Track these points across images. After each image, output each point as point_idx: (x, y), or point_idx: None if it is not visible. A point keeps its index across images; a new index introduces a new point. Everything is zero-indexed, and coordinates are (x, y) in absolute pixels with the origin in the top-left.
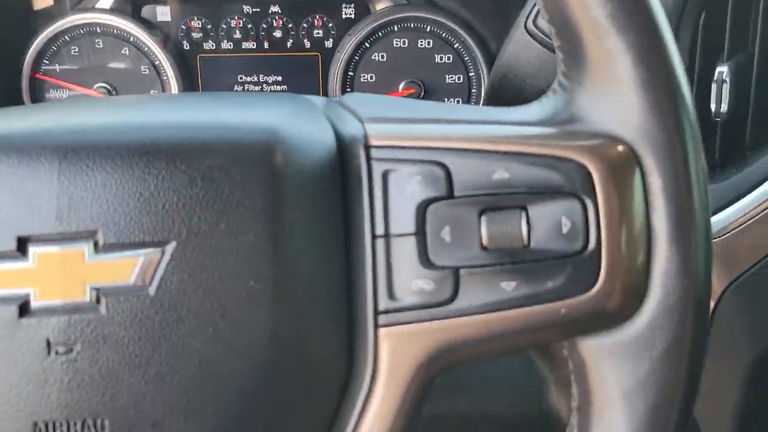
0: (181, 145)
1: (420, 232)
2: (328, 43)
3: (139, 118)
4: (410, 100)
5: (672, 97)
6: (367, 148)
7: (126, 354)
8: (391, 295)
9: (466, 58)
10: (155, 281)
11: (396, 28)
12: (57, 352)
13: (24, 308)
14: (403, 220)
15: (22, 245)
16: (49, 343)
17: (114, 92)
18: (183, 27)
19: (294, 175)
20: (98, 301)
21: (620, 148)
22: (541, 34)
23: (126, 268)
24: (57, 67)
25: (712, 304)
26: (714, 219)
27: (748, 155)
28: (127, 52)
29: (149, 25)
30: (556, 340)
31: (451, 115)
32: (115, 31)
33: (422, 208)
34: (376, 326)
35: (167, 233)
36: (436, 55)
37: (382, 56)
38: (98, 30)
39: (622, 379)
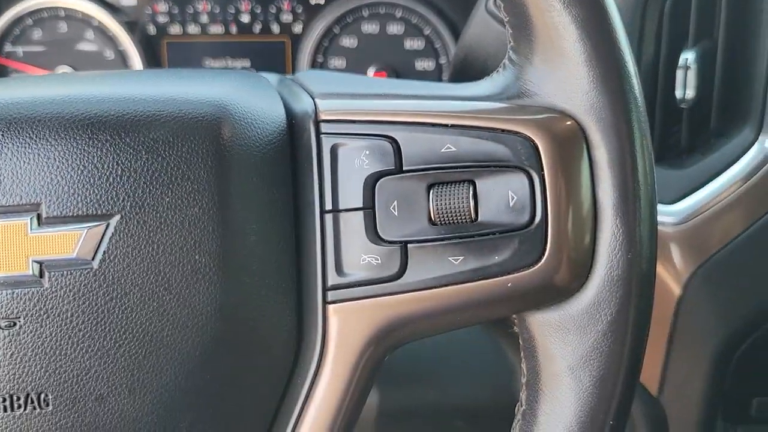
0: (126, 117)
1: (368, 207)
2: (297, 28)
3: (84, 92)
4: (364, 77)
5: (617, 71)
6: (317, 123)
7: (70, 328)
8: (339, 270)
9: (436, 45)
10: (99, 255)
11: (366, 14)
12: (1, 327)
13: None
14: (352, 194)
15: None
16: None
17: None
18: (149, 11)
19: (241, 149)
20: (41, 274)
21: (567, 122)
22: (501, 15)
23: (69, 241)
24: (20, 49)
25: (679, 290)
26: (680, 205)
27: (713, 141)
28: (92, 36)
29: (114, 9)
30: (504, 315)
31: (402, 90)
32: (80, 15)
33: (371, 183)
34: (325, 302)
35: (111, 206)
36: (406, 41)
37: (352, 42)
38: (62, 14)
39: (568, 353)
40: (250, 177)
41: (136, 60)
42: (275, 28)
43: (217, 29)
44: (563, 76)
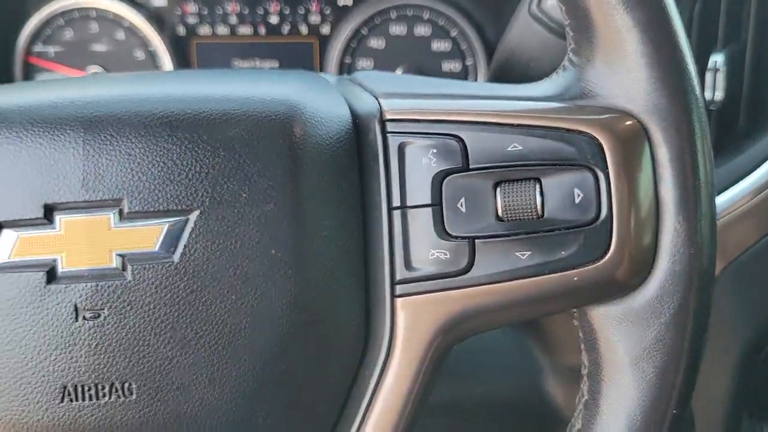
0: (203, 115)
1: (436, 204)
2: (325, 30)
3: (161, 91)
4: (421, 77)
5: (678, 72)
6: (383, 122)
7: (152, 319)
8: (408, 265)
9: (463, 47)
10: (179, 249)
11: (393, 15)
12: (85, 318)
13: (52, 274)
14: (420, 191)
15: (49, 213)
16: (76, 309)
17: None
18: (178, 12)
19: (312, 147)
20: (124, 267)
21: (629, 121)
22: (545, 18)
23: (150, 235)
24: (51, 49)
25: None
26: None
27: (741, 143)
28: (123, 37)
29: (144, 10)
30: (568, 309)
31: (464, 91)
32: (111, 16)
33: (438, 180)
34: (393, 296)
35: (191, 202)
36: (433, 43)
37: (380, 43)
38: (93, 14)
39: (630, 345)
40: (321, 174)
41: (166, 60)
42: (303, 29)
43: (245, 30)
44: (625, 77)
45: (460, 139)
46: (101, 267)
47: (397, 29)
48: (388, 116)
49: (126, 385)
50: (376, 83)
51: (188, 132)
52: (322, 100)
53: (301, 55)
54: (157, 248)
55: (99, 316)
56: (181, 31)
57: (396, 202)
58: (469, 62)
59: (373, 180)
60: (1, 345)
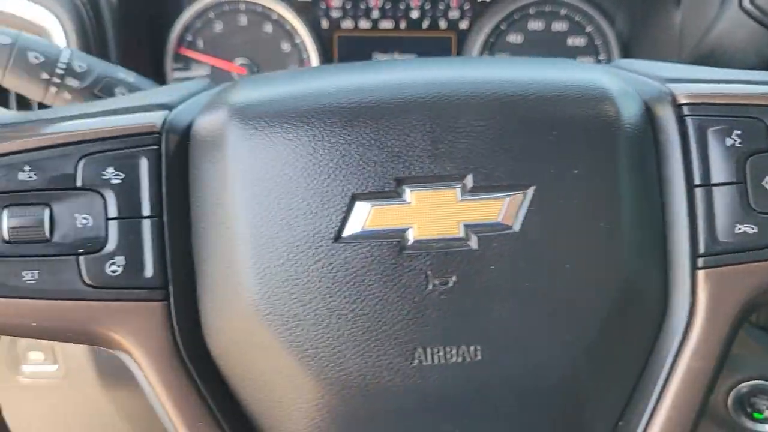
0: (533, 97)
1: (741, 182)
2: (463, 25)
3: (492, 74)
4: (688, 66)
5: None
6: (678, 106)
7: (495, 285)
8: (711, 239)
9: (597, 42)
10: (518, 220)
11: (532, 11)
12: (434, 284)
13: (404, 243)
14: (724, 170)
15: (400, 186)
16: (427, 276)
17: (256, 69)
18: (323, 5)
19: (624, 126)
20: (469, 237)
21: None
22: (757, 12)
23: (493, 208)
24: (200, 41)
25: None
26: None
27: None
28: (270, 29)
29: (292, 3)
30: None
31: (750, 77)
32: (259, 9)
33: (743, 160)
34: (695, 268)
35: (529, 177)
36: (569, 39)
37: (518, 38)
38: (242, 7)
39: None
40: (632, 152)
41: (312, 53)
42: (442, 24)
43: (387, 24)
44: None
45: (762, 121)
46: (449, 237)
47: (535, 25)
48: (683, 100)
49: (473, 347)
50: (652, 69)
51: (523, 111)
52: (618, 83)
53: (439, 49)
54: (500, 219)
55: (447, 282)
56: (325, 24)
57: (698, 180)
58: (602, 57)
59: (668, 159)
60: (357, 310)
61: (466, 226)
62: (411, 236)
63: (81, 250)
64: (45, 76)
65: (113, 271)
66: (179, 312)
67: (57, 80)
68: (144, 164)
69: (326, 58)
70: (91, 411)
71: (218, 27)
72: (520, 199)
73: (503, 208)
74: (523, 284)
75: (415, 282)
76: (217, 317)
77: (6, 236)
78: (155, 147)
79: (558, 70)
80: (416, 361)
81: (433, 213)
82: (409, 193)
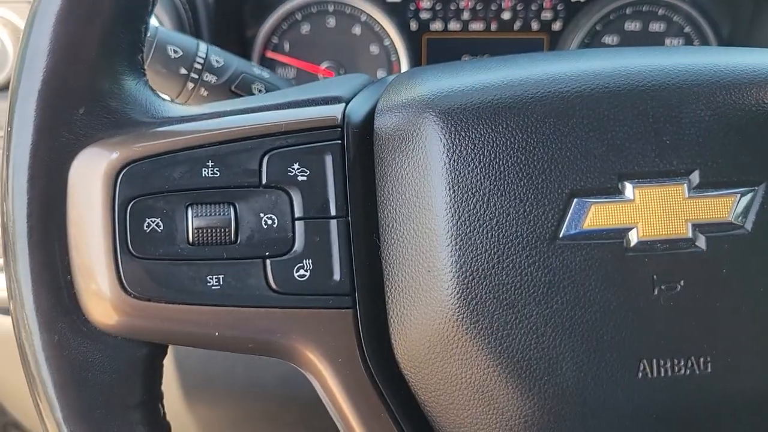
0: (760, 82)
1: None
2: (556, 26)
3: (704, 60)
4: None
5: None
6: None
7: (726, 291)
8: None
9: (695, 43)
10: (750, 219)
11: (629, 12)
12: (661, 289)
13: (627, 244)
14: None
15: (622, 181)
16: (653, 280)
17: (343, 72)
18: (413, 7)
19: None
20: (697, 238)
21: None
22: None
23: (723, 206)
24: (287, 44)
25: None
26: None
27: None
28: (359, 31)
29: (382, 4)
30: None
31: None
32: (348, 10)
33: None
34: None
35: (760, 173)
36: (666, 39)
37: (614, 39)
38: (331, 9)
39: None
40: None
41: (402, 55)
42: (534, 25)
43: (477, 26)
44: None
45: None
46: (676, 237)
47: (632, 25)
48: None
49: (702, 359)
50: None
51: (752, 99)
52: None
53: (531, 51)
54: (730, 218)
55: (675, 288)
56: (414, 26)
57: None
58: None
59: None
60: (575, 317)
61: (694, 225)
62: (634, 237)
63: (267, 253)
64: (183, 71)
65: (301, 276)
66: (366, 320)
67: (195, 75)
68: (329, 160)
69: (415, 60)
70: None
71: (305, 29)
72: (751, 196)
73: (734, 206)
74: (757, 289)
75: (639, 287)
76: (409, 326)
77: (190, 238)
78: (338, 141)
79: (762, 56)
80: (640, 374)
81: (658, 211)
82: (631, 190)
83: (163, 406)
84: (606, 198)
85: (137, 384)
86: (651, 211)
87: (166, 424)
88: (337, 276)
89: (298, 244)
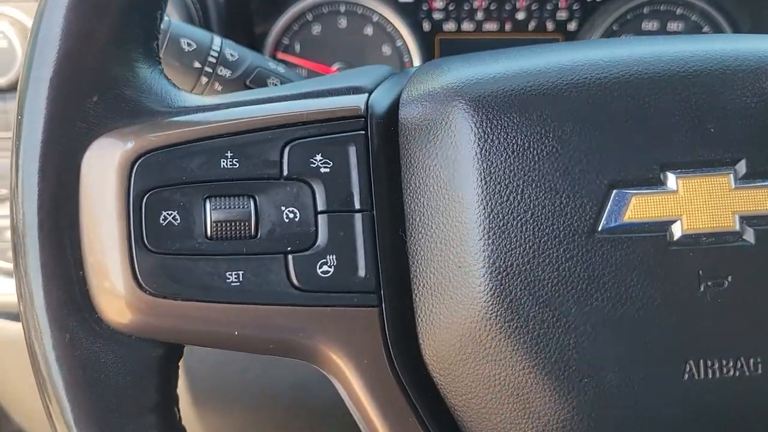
0: None
1: None
2: (572, 26)
3: (743, 47)
4: None
5: None
6: None
7: None
8: None
9: None
10: None
11: (646, 11)
12: (708, 285)
13: (671, 238)
14: None
15: (664, 171)
16: (699, 276)
17: None
18: (425, 7)
19: None
20: (744, 231)
21: None
22: None
23: None
24: (297, 45)
25: None
26: None
27: None
28: (371, 32)
29: (394, 4)
30: None
31: None
32: (360, 11)
33: None
34: None
35: None
36: None
37: None
38: (342, 9)
39: None
40: None
41: (414, 56)
42: (550, 26)
43: (491, 26)
44: None
45: None
46: (722, 230)
47: (650, 25)
48: None
49: (752, 359)
50: None
51: None
52: None
53: None
54: None
55: (723, 284)
56: (426, 26)
57: None
58: None
59: None
60: (617, 315)
61: (742, 218)
62: (678, 230)
63: (289, 248)
64: (197, 64)
65: (324, 272)
66: (392, 319)
67: (209, 69)
68: (352, 151)
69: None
70: None
71: (316, 30)
72: None
73: None
74: None
75: (684, 283)
76: (437, 325)
77: (209, 232)
78: (362, 132)
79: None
80: (686, 376)
81: (703, 203)
82: (674, 180)
83: (178, 410)
84: (647, 189)
85: (152, 386)
86: (695, 203)
87: (182, 429)
88: (362, 272)
89: (321, 239)
